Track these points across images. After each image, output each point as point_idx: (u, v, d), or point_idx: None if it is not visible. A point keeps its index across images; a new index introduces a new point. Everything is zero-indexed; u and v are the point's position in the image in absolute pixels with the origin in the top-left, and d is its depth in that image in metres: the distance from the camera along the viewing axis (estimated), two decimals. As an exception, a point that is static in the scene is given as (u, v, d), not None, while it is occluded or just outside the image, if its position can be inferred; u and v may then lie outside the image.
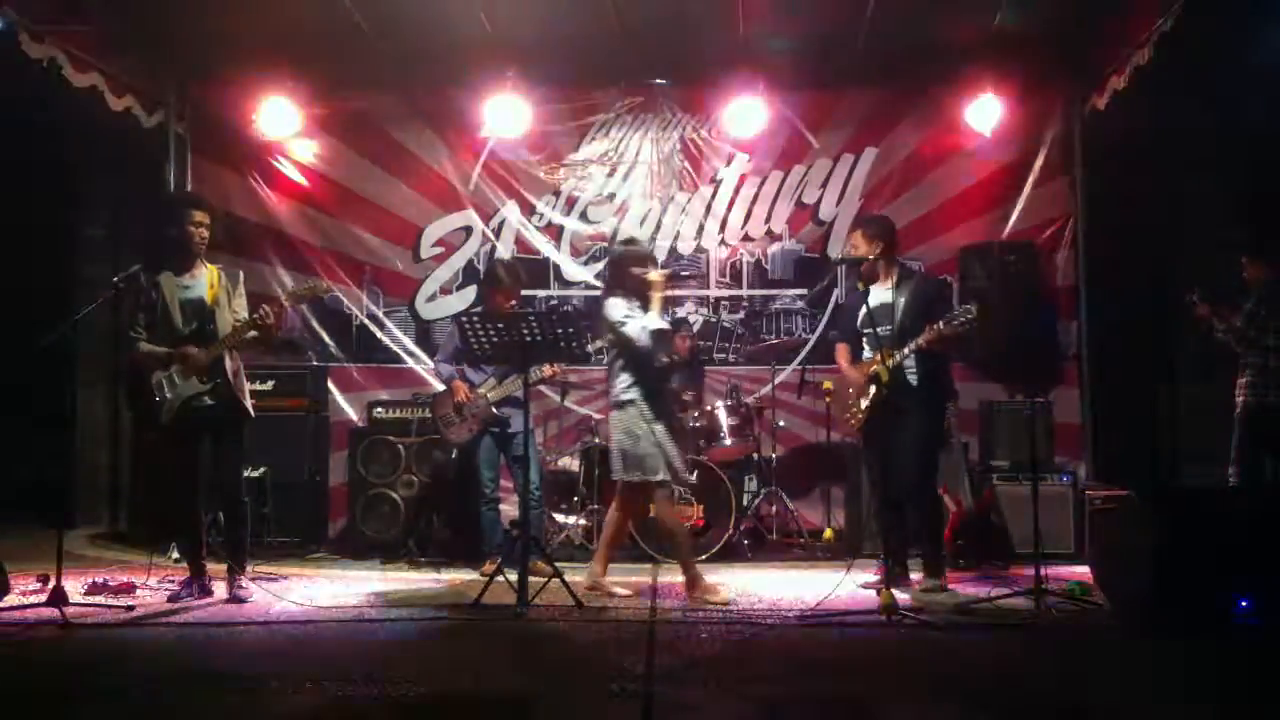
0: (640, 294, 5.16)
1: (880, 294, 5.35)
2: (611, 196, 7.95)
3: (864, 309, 5.22)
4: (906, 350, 5.11)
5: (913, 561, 5.47)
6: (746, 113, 7.51)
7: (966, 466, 6.29)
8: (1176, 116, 6.88)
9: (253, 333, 5.03)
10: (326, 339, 7.85)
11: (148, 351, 4.99)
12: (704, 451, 6.63)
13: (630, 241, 6.02)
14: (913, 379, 5.17)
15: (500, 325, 4.96)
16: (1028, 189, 7.66)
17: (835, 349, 5.65)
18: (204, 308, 5.02)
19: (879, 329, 5.22)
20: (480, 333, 4.95)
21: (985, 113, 7.39)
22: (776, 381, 7.32)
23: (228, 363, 5.03)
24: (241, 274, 5.32)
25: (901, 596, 4.91)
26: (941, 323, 4.98)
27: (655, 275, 5.18)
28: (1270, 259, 6.02)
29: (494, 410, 6.04)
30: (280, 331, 5.35)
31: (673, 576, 5.80)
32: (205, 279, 5.08)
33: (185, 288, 5.04)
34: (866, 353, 5.33)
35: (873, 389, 5.19)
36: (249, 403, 5.14)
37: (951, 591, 5.21)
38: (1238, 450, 5.96)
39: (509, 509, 6.67)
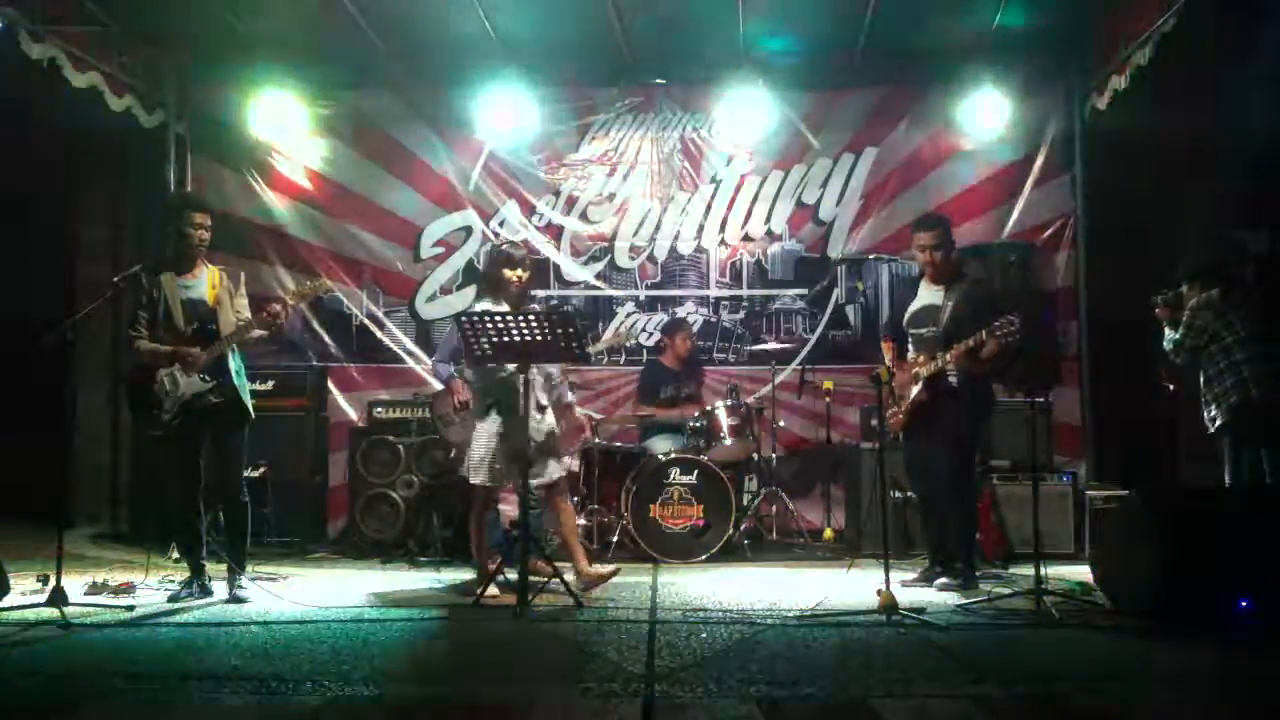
0: (504, 297, 5.25)
1: (930, 295, 5.36)
2: (611, 196, 7.95)
3: (911, 307, 5.27)
4: (945, 358, 5.11)
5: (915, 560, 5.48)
6: (746, 113, 7.52)
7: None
8: (1176, 116, 6.87)
9: (258, 332, 5.07)
10: (326, 339, 7.84)
11: (148, 350, 4.99)
12: (704, 451, 6.63)
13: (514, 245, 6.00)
14: (954, 380, 5.18)
15: (500, 325, 4.95)
16: (1028, 189, 7.66)
17: (881, 345, 5.64)
18: (205, 308, 5.03)
19: (924, 330, 5.25)
20: (479, 333, 4.94)
21: (985, 113, 7.39)
22: (776, 381, 7.32)
23: (231, 362, 5.04)
24: (243, 274, 5.32)
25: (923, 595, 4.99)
26: (984, 332, 4.96)
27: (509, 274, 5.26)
28: (1213, 279, 5.87)
29: (493, 410, 6.03)
30: (284, 331, 5.36)
31: (673, 576, 5.80)
32: (206, 279, 5.09)
33: (186, 287, 5.05)
34: (912, 352, 5.35)
35: (914, 389, 5.20)
36: (250, 402, 5.15)
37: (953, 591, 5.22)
38: (1231, 449, 5.93)
39: (509, 509, 6.67)
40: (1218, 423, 5.63)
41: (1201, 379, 5.72)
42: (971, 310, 5.17)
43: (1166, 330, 5.81)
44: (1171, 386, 6.36)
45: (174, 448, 5.07)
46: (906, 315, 5.42)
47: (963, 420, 5.22)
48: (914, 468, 5.49)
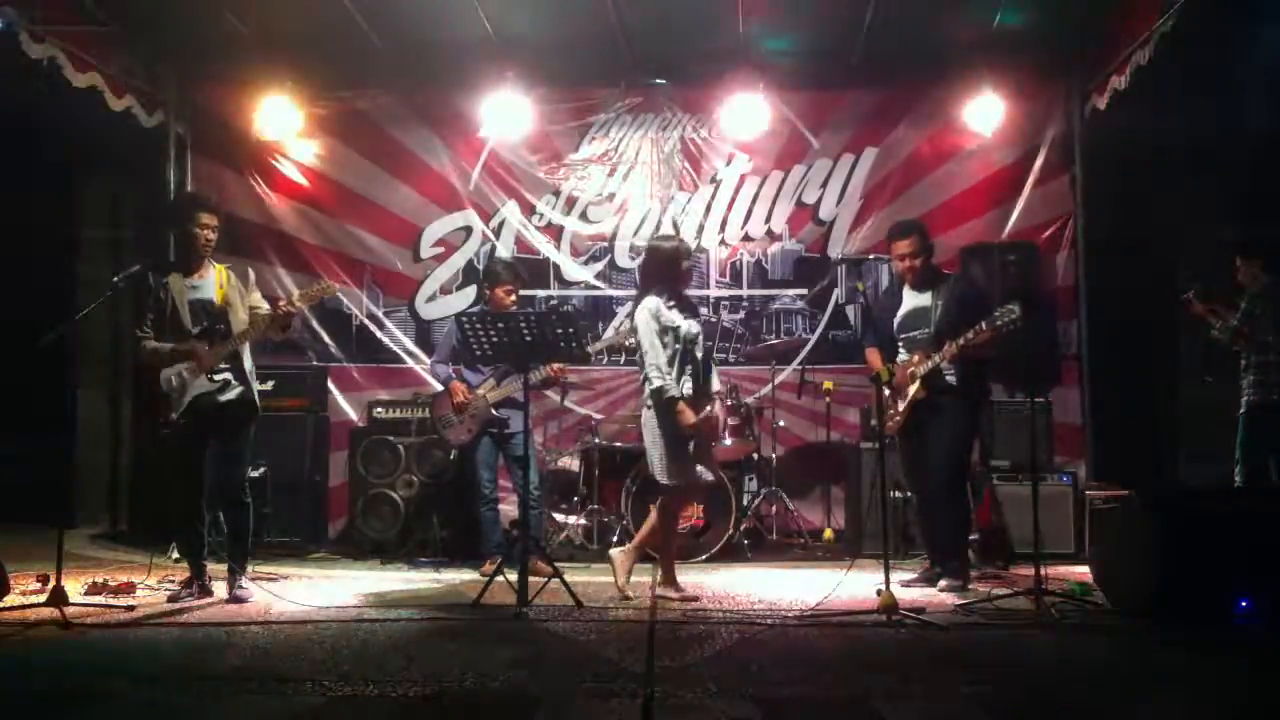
0: (677, 291, 5.13)
1: (917, 298, 5.38)
2: (611, 196, 7.95)
3: (900, 313, 5.29)
4: (943, 353, 5.12)
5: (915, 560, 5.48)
6: (746, 113, 7.51)
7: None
8: (1176, 116, 6.88)
9: (271, 324, 5.06)
10: (326, 339, 7.84)
11: (154, 350, 4.99)
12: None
13: (669, 237, 5.74)
14: (951, 379, 5.19)
15: (500, 325, 4.95)
16: (1028, 189, 7.66)
17: (866, 353, 5.65)
18: (213, 307, 5.02)
19: (915, 332, 5.27)
20: (480, 333, 4.95)
21: (985, 113, 7.39)
22: (776, 381, 7.32)
23: (246, 361, 5.05)
24: (250, 271, 5.31)
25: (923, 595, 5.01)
26: (984, 323, 4.97)
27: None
28: (1267, 259, 6.00)
29: (493, 411, 6.04)
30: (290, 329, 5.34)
31: (682, 576, 5.79)
32: (213, 279, 5.08)
33: (194, 288, 5.04)
34: (902, 355, 5.36)
35: (912, 388, 5.21)
36: (259, 401, 5.17)
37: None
38: (1243, 449, 5.96)
39: (509, 509, 6.68)
40: (1241, 411, 5.75)
41: (1242, 363, 5.94)
42: (961, 307, 5.20)
43: (1214, 322, 5.90)
44: (1209, 379, 6.42)
45: (178, 448, 5.06)
46: (896, 320, 5.44)
47: (958, 418, 5.24)
48: (911, 467, 5.49)
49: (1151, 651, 4.07)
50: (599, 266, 7.93)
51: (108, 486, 8.03)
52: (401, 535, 6.71)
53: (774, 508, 7.12)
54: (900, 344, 5.41)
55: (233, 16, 6.79)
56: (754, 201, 7.88)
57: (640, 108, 7.90)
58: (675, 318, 5.02)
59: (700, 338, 5.11)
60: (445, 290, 7.93)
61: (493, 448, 6.13)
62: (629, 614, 4.71)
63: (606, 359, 7.64)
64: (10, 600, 4.71)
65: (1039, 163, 7.65)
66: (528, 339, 4.89)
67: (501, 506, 6.39)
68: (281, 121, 7.56)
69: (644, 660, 3.81)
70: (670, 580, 5.13)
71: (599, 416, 7.37)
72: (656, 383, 4.93)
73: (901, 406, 5.29)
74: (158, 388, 5.00)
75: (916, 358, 5.25)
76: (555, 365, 5.95)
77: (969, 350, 5.07)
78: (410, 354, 7.86)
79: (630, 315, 5.30)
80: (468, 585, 5.54)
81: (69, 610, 4.49)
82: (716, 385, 5.44)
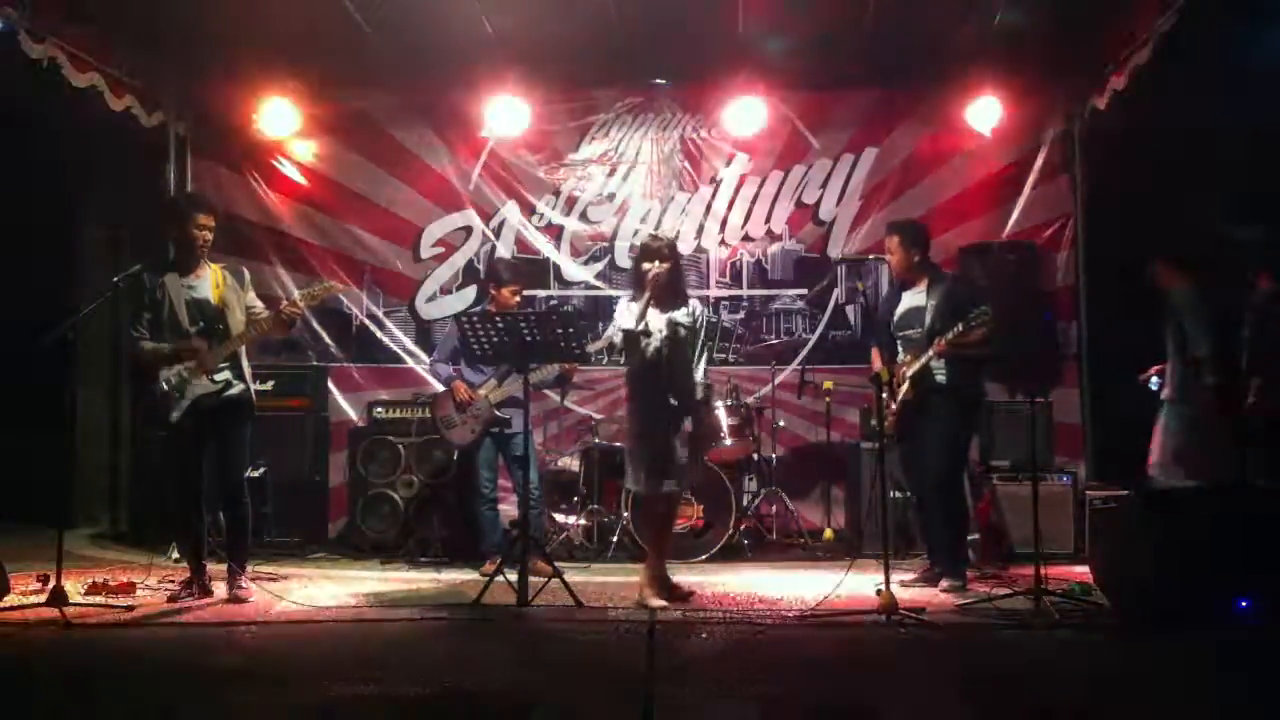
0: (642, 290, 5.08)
1: (913, 298, 5.41)
2: (611, 196, 7.95)
3: (896, 312, 5.33)
4: (929, 354, 5.13)
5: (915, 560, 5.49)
6: (746, 113, 7.51)
7: (966, 467, 6.29)
8: (1176, 116, 6.87)
9: (275, 324, 5.06)
10: (326, 339, 7.84)
11: (151, 350, 4.99)
12: (704, 451, 6.62)
13: (653, 237, 5.58)
14: (941, 379, 5.19)
15: (500, 325, 4.95)
16: (1028, 189, 7.66)
17: (870, 352, 5.68)
18: (210, 307, 5.03)
19: (910, 331, 5.29)
20: (480, 333, 4.95)
21: (985, 113, 7.39)
22: (776, 381, 7.32)
23: (244, 360, 5.05)
24: (246, 271, 5.31)
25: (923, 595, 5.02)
26: (961, 325, 4.98)
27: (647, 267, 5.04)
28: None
29: (495, 411, 6.04)
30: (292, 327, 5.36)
31: (673, 576, 5.80)
32: (209, 279, 5.09)
33: (190, 288, 5.05)
34: (901, 354, 5.37)
35: (902, 389, 5.22)
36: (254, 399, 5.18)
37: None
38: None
39: (509, 509, 6.68)
40: None
41: None
42: (952, 307, 5.21)
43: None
44: None
45: (177, 448, 5.07)
46: (894, 319, 5.47)
47: (950, 418, 5.25)
48: (907, 467, 5.50)
49: (1151, 651, 4.07)
50: (599, 266, 7.93)
51: (108, 486, 8.02)
52: (401, 535, 6.71)
53: (774, 508, 7.12)
54: (898, 342, 5.45)
55: (233, 16, 6.79)
56: (754, 201, 7.87)
57: (640, 108, 7.89)
58: (628, 315, 4.98)
59: (661, 335, 4.98)
60: (445, 290, 7.93)
61: (492, 447, 6.13)
62: (629, 614, 4.71)
63: (606, 359, 7.64)
64: (10, 600, 4.72)
65: (1039, 163, 7.65)
66: (528, 339, 4.90)
67: (501, 506, 6.40)
68: (281, 121, 7.56)
69: (644, 660, 3.81)
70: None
71: (599, 416, 7.37)
72: None
73: (894, 406, 5.30)
74: (155, 388, 4.99)
75: (909, 358, 5.28)
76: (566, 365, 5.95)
77: (956, 350, 5.08)
78: (410, 354, 7.86)
79: None
80: (468, 585, 5.55)
81: (69, 610, 4.50)
82: (700, 381, 5.25)
